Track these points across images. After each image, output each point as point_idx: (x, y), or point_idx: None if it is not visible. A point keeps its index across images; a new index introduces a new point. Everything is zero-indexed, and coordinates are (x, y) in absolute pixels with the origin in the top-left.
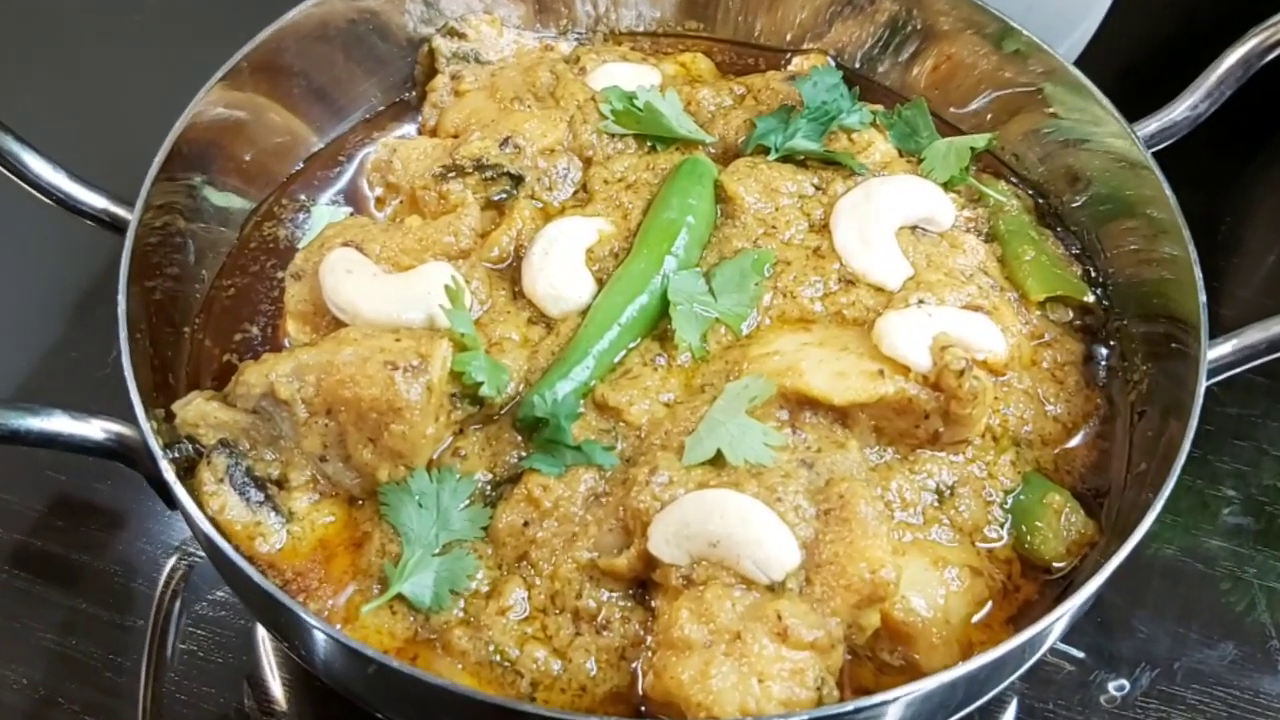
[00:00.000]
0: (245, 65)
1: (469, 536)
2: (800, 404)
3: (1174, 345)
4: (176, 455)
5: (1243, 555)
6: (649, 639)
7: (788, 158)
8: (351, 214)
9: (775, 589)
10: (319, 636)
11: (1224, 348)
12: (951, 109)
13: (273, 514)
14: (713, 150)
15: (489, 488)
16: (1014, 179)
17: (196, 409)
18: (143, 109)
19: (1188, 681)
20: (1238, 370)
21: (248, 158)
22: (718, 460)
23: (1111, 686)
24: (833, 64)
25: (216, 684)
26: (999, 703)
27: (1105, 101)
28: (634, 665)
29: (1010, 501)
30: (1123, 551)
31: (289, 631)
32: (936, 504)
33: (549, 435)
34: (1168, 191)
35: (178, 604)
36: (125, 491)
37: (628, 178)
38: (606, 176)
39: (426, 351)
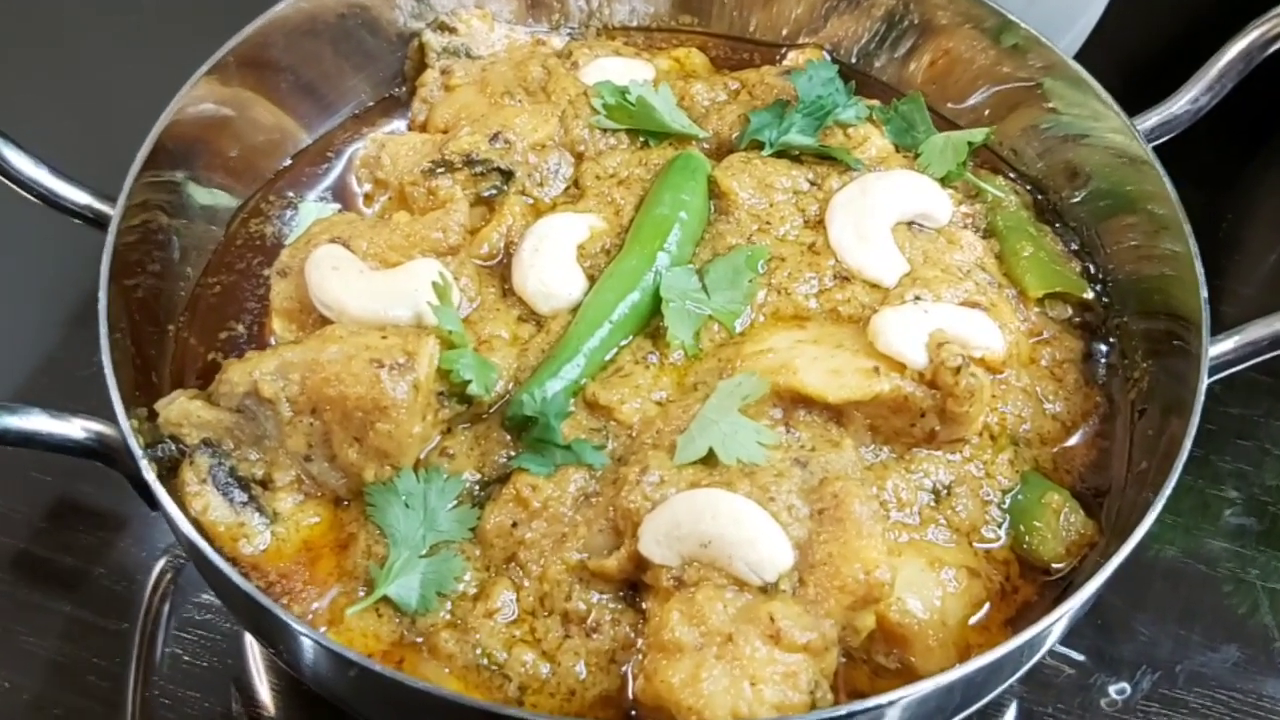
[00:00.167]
0: (231, 60)
1: (456, 537)
2: (794, 402)
3: (1175, 342)
4: (160, 455)
5: (1245, 556)
6: (640, 641)
7: (782, 153)
8: (340, 211)
9: (768, 590)
10: (301, 640)
11: (1226, 344)
12: (949, 104)
13: (256, 515)
14: (706, 145)
15: (477, 488)
16: (1012, 174)
17: (179, 408)
18: (129, 104)
19: (1190, 685)
20: (1240, 367)
21: (234, 154)
22: (710, 459)
23: (1112, 690)
24: (828, 58)
25: (202, 688)
26: (997, 706)
27: (1106, 96)
28: (624, 668)
29: (1008, 501)
30: (1123, 552)
31: (272, 635)
32: (933, 504)
33: (538, 434)
34: (1169, 187)
35: (166, 607)
36: (113, 493)
37: (620, 173)
38: (598, 172)
39: (413, 349)
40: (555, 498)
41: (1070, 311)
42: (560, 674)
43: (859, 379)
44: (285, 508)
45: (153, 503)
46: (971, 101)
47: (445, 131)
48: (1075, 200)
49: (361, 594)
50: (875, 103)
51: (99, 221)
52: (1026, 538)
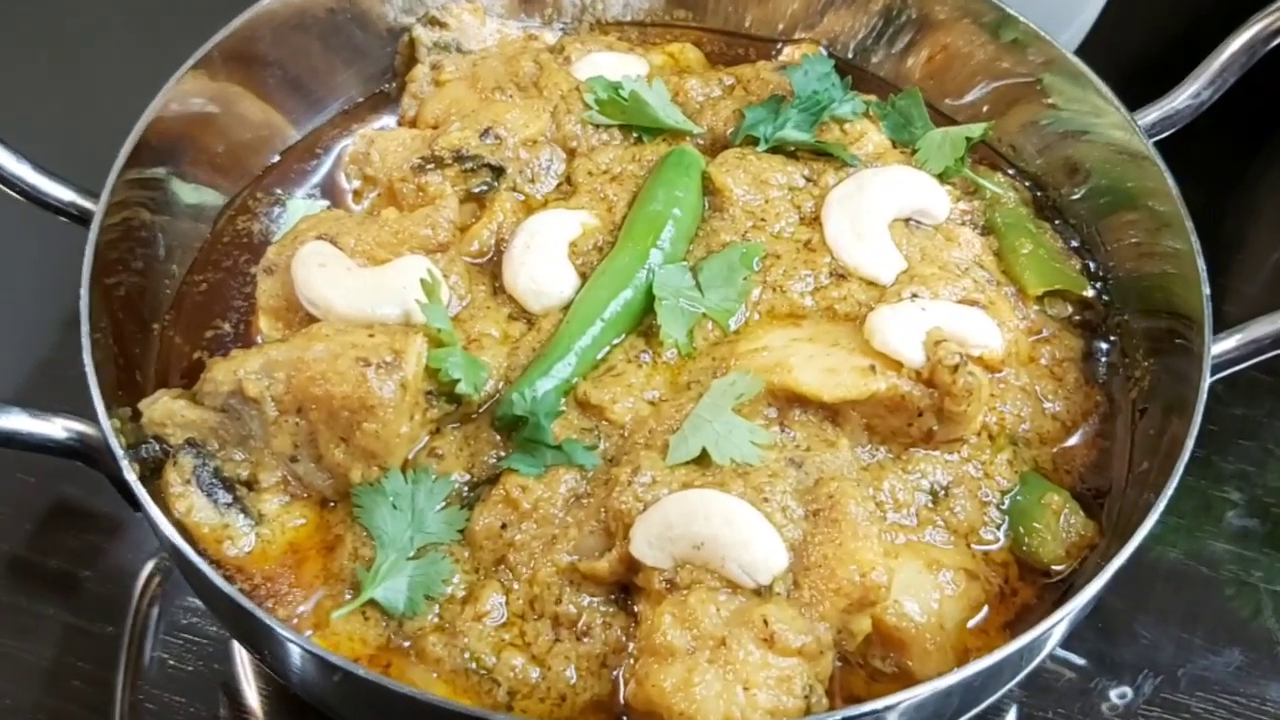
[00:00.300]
0: (217, 54)
1: (445, 539)
2: (789, 401)
3: (1177, 340)
4: (144, 456)
5: (1248, 559)
6: (631, 645)
7: (778, 149)
8: (328, 208)
9: (762, 593)
10: (285, 644)
11: (1228, 342)
12: (947, 100)
13: (241, 516)
14: (701, 141)
15: (466, 489)
16: (1011, 170)
17: (163, 407)
18: (114, 99)
19: (1192, 689)
20: (1243, 366)
21: (220, 150)
22: (703, 459)
23: (1113, 694)
24: (825, 53)
25: (189, 693)
26: (997, 711)
27: (1106, 91)
28: (616, 673)
29: (1007, 502)
30: (1124, 554)
31: (255, 639)
32: (930, 505)
33: (528, 434)
34: (1170, 183)
35: (155, 611)
36: (100, 494)
37: (612, 169)
38: (591, 168)
39: (400, 347)
40: (545, 499)
41: (1070, 309)
42: (550, 678)
43: (855, 378)
44: (270, 509)
45: (135, 504)
46: (970, 97)
47: (435, 127)
48: (1075, 197)
49: (348, 597)
50: (872, 98)
51: (83, 219)
52: (1026, 539)
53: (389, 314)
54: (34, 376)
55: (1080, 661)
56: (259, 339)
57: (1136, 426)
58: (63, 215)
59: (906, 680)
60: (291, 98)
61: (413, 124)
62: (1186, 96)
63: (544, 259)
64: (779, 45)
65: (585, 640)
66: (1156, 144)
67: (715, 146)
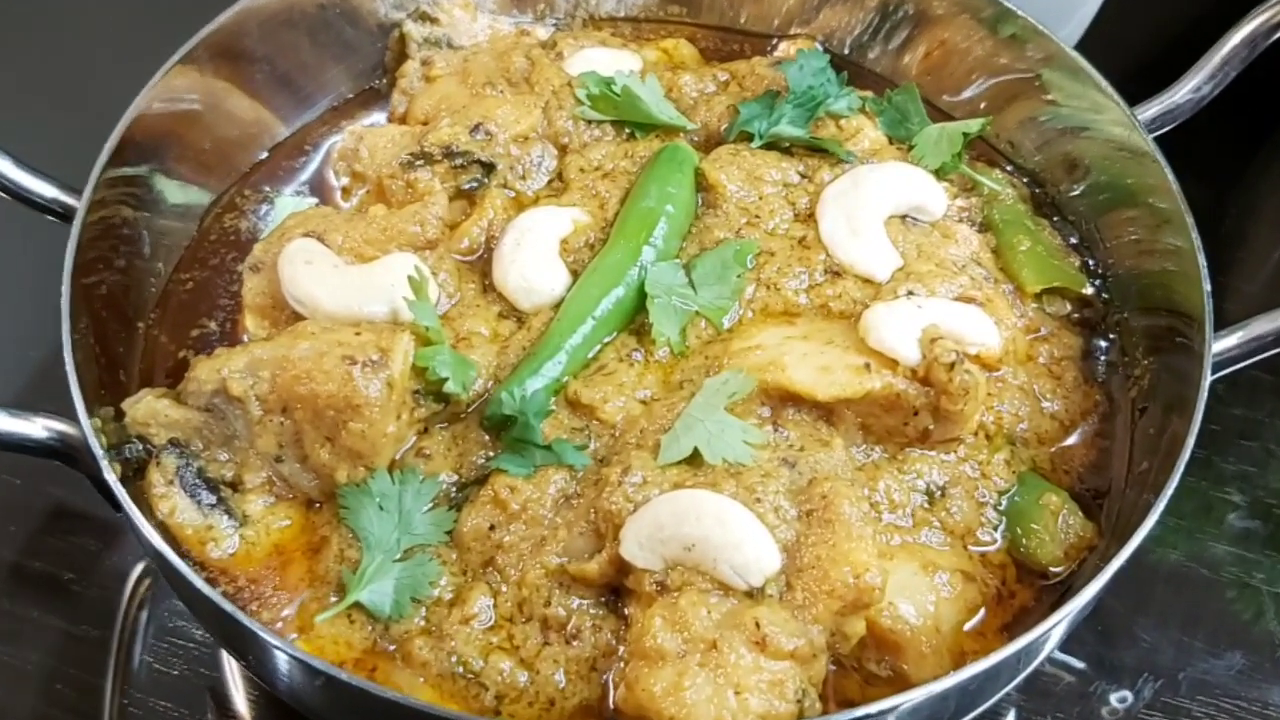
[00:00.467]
0: (203, 50)
1: (432, 541)
2: (783, 400)
3: (1177, 339)
4: (127, 456)
5: (1250, 560)
6: (621, 649)
7: (772, 145)
8: (317, 205)
9: (754, 595)
10: (268, 648)
11: (1229, 340)
12: (945, 97)
13: (225, 517)
14: (695, 137)
15: (454, 489)
16: (1009, 167)
17: (147, 407)
18: (101, 94)
19: (1193, 693)
20: (1244, 364)
21: (207, 147)
22: (695, 459)
23: (1113, 698)
24: (820, 49)
25: (176, 698)
26: (995, 715)
27: (1107, 87)
28: (605, 677)
29: (1005, 503)
30: (1123, 555)
31: (238, 643)
32: (927, 505)
33: (518, 434)
34: (1171, 180)
35: (145, 614)
36: (89, 496)
37: (605, 166)
38: (583, 165)
39: (387, 346)
40: (535, 500)
41: (1069, 307)
42: (539, 682)
43: (849, 376)
44: (255, 510)
45: (116, 505)
46: (968, 94)
47: (425, 123)
48: (1074, 193)
49: (333, 600)
50: (868, 94)
51: (67, 216)
52: (1023, 540)
53: (376, 312)
54: (17, 376)
55: (1079, 665)
56: (245, 338)
57: (1136, 426)
58: (46, 212)
59: (902, 684)
60: (280, 94)
61: (403, 120)
62: (1187, 91)
63: (535, 256)
64: (774, 41)
65: (574, 643)
66: (1157, 140)
67: (709, 143)
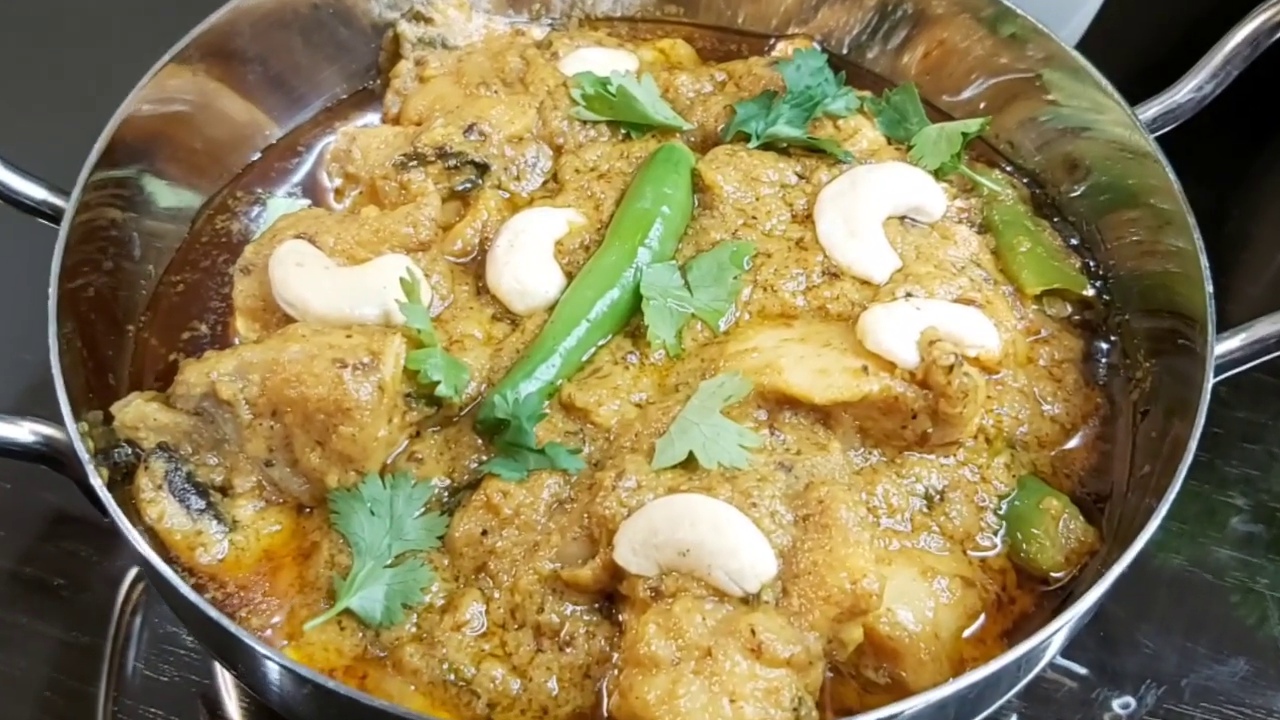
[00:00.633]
0: (195, 50)
1: (424, 546)
2: (780, 403)
3: (1179, 341)
4: (116, 460)
5: (1254, 565)
6: (615, 656)
7: (769, 145)
8: (309, 206)
9: (749, 601)
10: (255, 655)
11: (1232, 342)
12: (944, 97)
13: (214, 522)
14: (691, 138)
15: (446, 494)
16: (1009, 167)
17: (135, 410)
18: (94, 95)
19: (1196, 699)
20: (1247, 367)
21: (199, 148)
22: (690, 463)
23: (1116, 704)
24: (818, 49)
25: (167, 705)
26: None
27: (1108, 87)
28: (599, 684)
29: (1005, 507)
30: (1125, 560)
31: (226, 650)
32: (925, 510)
33: (510, 438)
34: (1173, 180)
35: (138, 620)
36: (81, 500)
37: (600, 167)
38: (578, 165)
39: (378, 348)
40: (527, 504)
41: (1069, 309)
42: (531, 690)
43: (847, 379)
44: (245, 515)
45: (103, 510)
46: (967, 94)
47: (418, 124)
48: (1075, 194)
49: (323, 606)
50: (867, 94)
51: (56, 218)
52: (1024, 545)
53: (368, 314)
54: (8, 379)
55: (1081, 671)
56: (236, 340)
57: (1138, 429)
58: (36, 214)
59: (900, 692)
60: (273, 94)
61: (396, 121)
62: (1189, 90)
63: (529, 258)
64: (772, 41)
65: (568, 650)
66: (1158, 140)
67: (706, 143)
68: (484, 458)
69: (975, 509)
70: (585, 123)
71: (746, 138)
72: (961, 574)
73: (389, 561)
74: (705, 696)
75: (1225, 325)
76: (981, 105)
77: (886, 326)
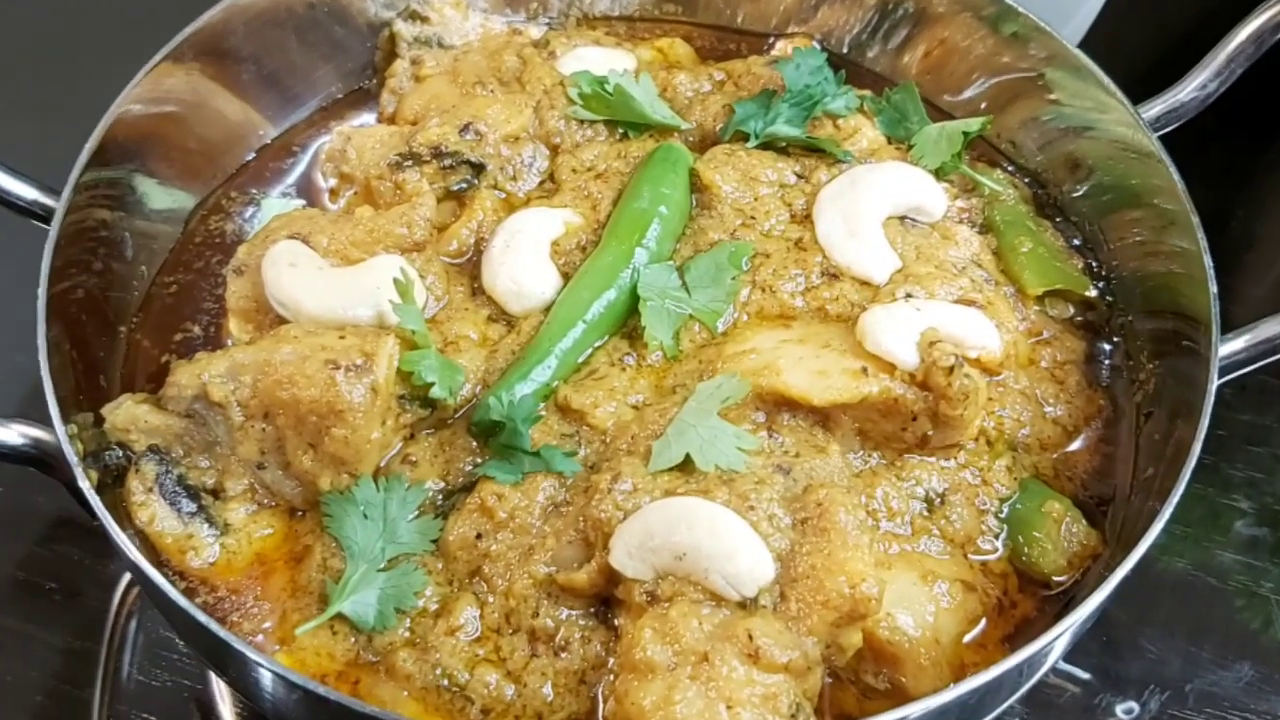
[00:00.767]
0: (188, 49)
1: (417, 550)
2: (778, 405)
3: (1183, 342)
4: (107, 463)
5: (1258, 569)
6: (611, 661)
7: (768, 145)
8: (304, 207)
9: (747, 606)
10: (245, 661)
11: (1236, 343)
12: (945, 97)
13: (206, 526)
14: (689, 137)
15: (440, 497)
16: (1010, 167)
17: (126, 412)
18: (84, 93)
19: (1200, 705)
20: (1251, 368)
21: (192, 148)
22: (686, 466)
23: (1119, 710)
24: (818, 47)
25: (160, 709)
26: None
27: (1111, 86)
28: (595, 690)
29: (1006, 510)
30: (1128, 564)
31: (215, 655)
32: (926, 513)
33: (505, 440)
34: (1177, 179)
35: (133, 625)
36: (75, 503)
37: (597, 166)
38: (575, 165)
39: (371, 350)
40: (522, 507)
41: (1072, 310)
42: (526, 696)
43: (846, 380)
44: (237, 518)
45: (93, 513)
46: (968, 94)
47: (414, 123)
48: (1077, 194)
49: (316, 611)
50: (866, 93)
51: (48, 218)
52: (1026, 549)
53: (362, 315)
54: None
55: (1084, 676)
56: (229, 342)
57: (1141, 431)
58: (27, 215)
59: (900, 697)
60: (267, 94)
61: (392, 120)
62: (1193, 88)
63: (525, 259)
64: (771, 40)
65: (563, 655)
66: (1161, 139)
67: (704, 143)
68: (479, 460)
69: (976, 512)
70: (582, 122)
71: (745, 137)
72: (962, 578)
73: (382, 565)
74: (702, 702)
75: (1229, 327)
76: (983, 105)
77: (886, 327)
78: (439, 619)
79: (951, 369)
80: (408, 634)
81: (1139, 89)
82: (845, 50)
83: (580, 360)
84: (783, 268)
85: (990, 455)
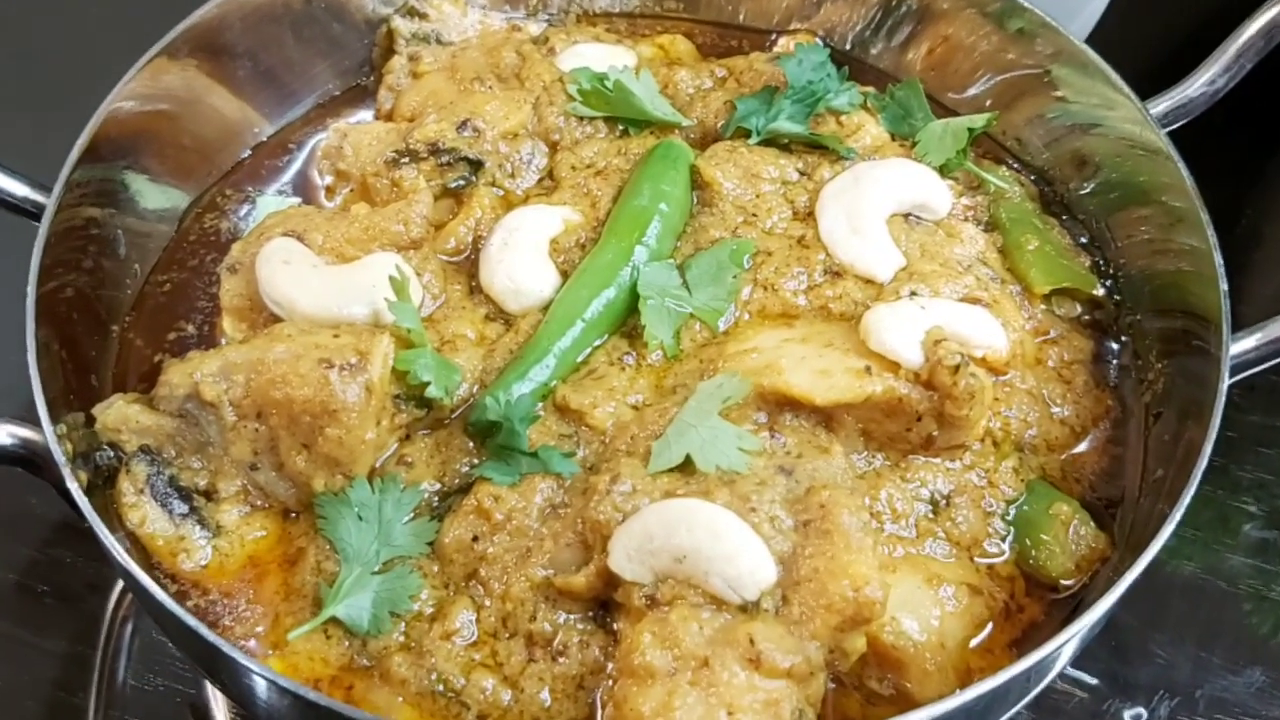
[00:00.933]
0: (183, 44)
1: (413, 553)
2: (780, 405)
3: (1193, 341)
4: (98, 463)
5: (1268, 573)
6: (610, 666)
7: (770, 142)
8: (300, 204)
9: (748, 610)
10: (236, 666)
11: (1247, 342)
12: (950, 94)
13: (198, 528)
14: (690, 134)
15: (436, 499)
16: (1016, 164)
17: (118, 412)
18: (78, 89)
19: (1211, 711)
20: (1262, 368)
21: (187, 145)
22: (687, 467)
23: (1128, 715)
24: (820, 44)
25: (154, 714)
26: None
27: (1119, 82)
28: (593, 696)
29: (1013, 512)
30: (1137, 567)
31: (206, 660)
32: (931, 515)
33: (503, 441)
34: (1185, 176)
35: (129, 629)
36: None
37: (597, 164)
38: (574, 162)
39: (365, 348)
40: (520, 509)
41: (1079, 309)
42: (523, 701)
43: (849, 379)
44: (229, 520)
45: (82, 514)
46: (973, 91)
47: (411, 120)
48: (1084, 191)
49: (309, 614)
50: (870, 89)
51: (39, 215)
52: (1033, 552)
53: (357, 313)
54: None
55: (1092, 681)
56: (223, 341)
57: (1150, 432)
58: (18, 212)
59: (905, 703)
60: (264, 91)
61: (389, 117)
62: (1201, 85)
63: (523, 257)
64: (773, 36)
65: (561, 660)
66: (1170, 135)
67: (705, 139)
68: (475, 461)
69: (982, 514)
70: (582, 119)
71: (747, 134)
72: (968, 581)
73: (377, 568)
74: (702, 709)
75: (1238, 326)
76: (988, 102)
77: (890, 326)
78: (435, 623)
79: (957, 368)
80: (403, 638)
81: (1146, 85)
82: (848, 47)
83: (579, 359)
84: (785, 266)
85: (996, 456)
